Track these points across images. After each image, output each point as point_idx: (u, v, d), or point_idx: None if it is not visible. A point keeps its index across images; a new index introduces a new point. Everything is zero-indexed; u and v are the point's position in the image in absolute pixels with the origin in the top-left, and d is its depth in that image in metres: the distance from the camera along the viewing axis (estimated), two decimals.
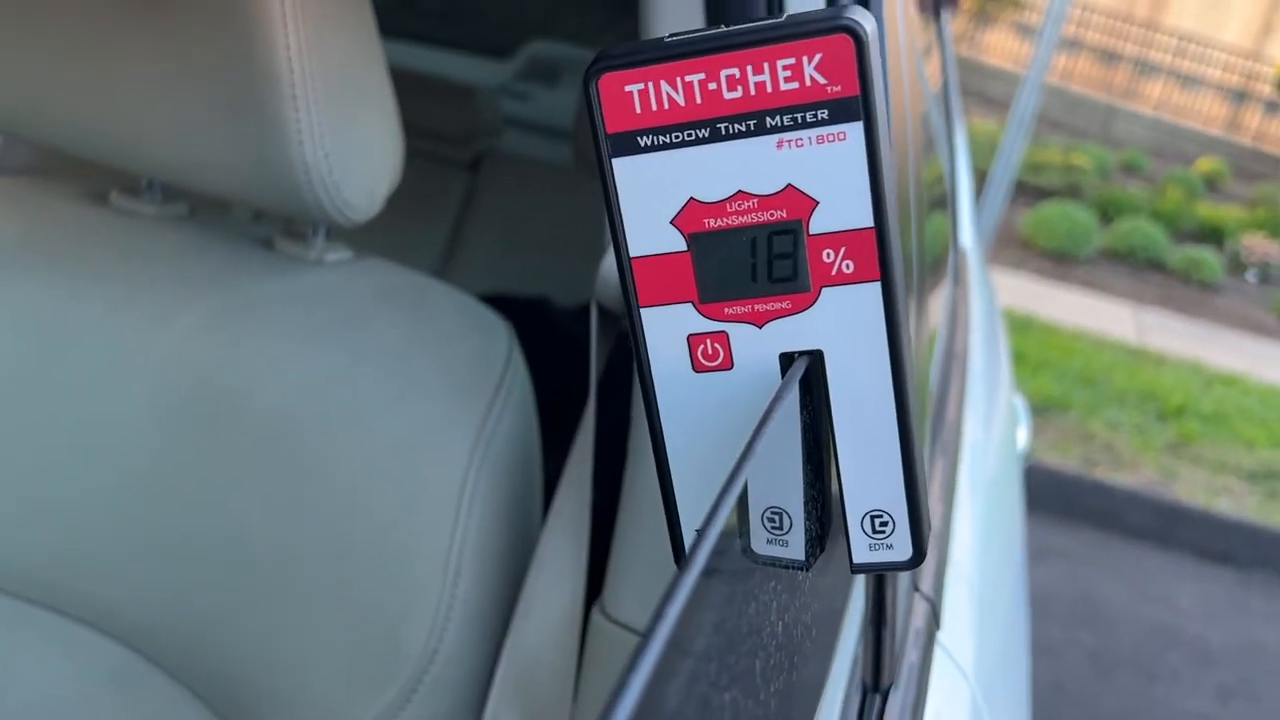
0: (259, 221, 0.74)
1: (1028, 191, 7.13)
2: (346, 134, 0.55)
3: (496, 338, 0.62)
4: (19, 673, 0.62)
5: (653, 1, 0.46)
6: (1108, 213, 6.97)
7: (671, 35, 0.27)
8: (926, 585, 0.51)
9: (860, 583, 0.45)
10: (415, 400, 0.58)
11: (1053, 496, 3.43)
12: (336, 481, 0.55)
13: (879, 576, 0.41)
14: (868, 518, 0.29)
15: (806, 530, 0.30)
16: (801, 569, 0.30)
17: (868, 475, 0.29)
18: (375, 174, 0.57)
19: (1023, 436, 1.20)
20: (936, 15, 1.21)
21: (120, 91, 0.58)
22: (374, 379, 0.58)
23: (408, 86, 0.67)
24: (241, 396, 0.57)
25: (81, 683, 0.61)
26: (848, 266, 0.27)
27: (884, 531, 0.29)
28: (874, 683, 0.41)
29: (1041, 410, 3.89)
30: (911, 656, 0.45)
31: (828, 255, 0.27)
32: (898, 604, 0.44)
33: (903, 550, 0.30)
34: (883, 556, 0.30)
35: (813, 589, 0.42)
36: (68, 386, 0.59)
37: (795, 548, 0.30)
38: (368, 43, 0.58)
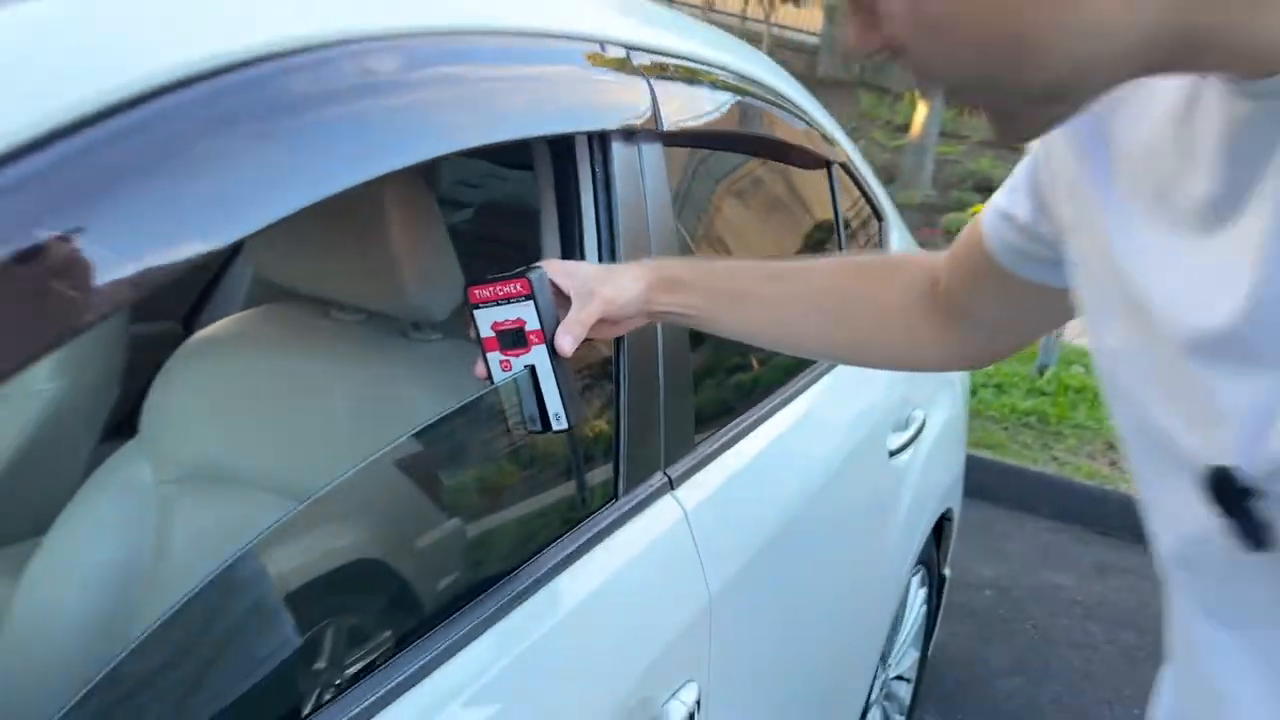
0: (387, 319, 1.45)
1: None
2: (434, 285, 1.24)
3: None
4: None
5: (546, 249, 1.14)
6: None
7: (490, 276, 0.95)
8: (674, 471, 1.14)
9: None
10: None
11: (1125, 519, 3.80)
12: None
13: (615, 460, 1.06)
14: (553, 415, 0.96)
15: (535, 419, 0.96)
16: (540, 433, 0.97)
17: (553, 400, 0.95)
18: (449, 300, 1.27)
19: (898, 441, 1.78)
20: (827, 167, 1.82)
21: (333, 262, 1.30)
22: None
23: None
24: (398, 413, 1.27)
25: None
26: (537, 338, 0.94)
27: (559, 420, 0.96)
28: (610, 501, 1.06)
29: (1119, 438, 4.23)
30: (642, 494, 1.09)
31: (532, 336, 0.94)
32: (643, 482, 1.08)
33: (566, 425, 0.96)
34: (562, 426, 0.95)
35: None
36: (328, 416, 1.31)
37: (537, 424, 0.96)
38: (442, 238, 1.28)
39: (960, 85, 0.54)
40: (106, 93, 0.57)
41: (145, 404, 1.38)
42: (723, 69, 1.39)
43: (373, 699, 0.78)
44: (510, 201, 2.11)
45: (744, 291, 0.99)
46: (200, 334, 1.41)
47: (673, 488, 1.15)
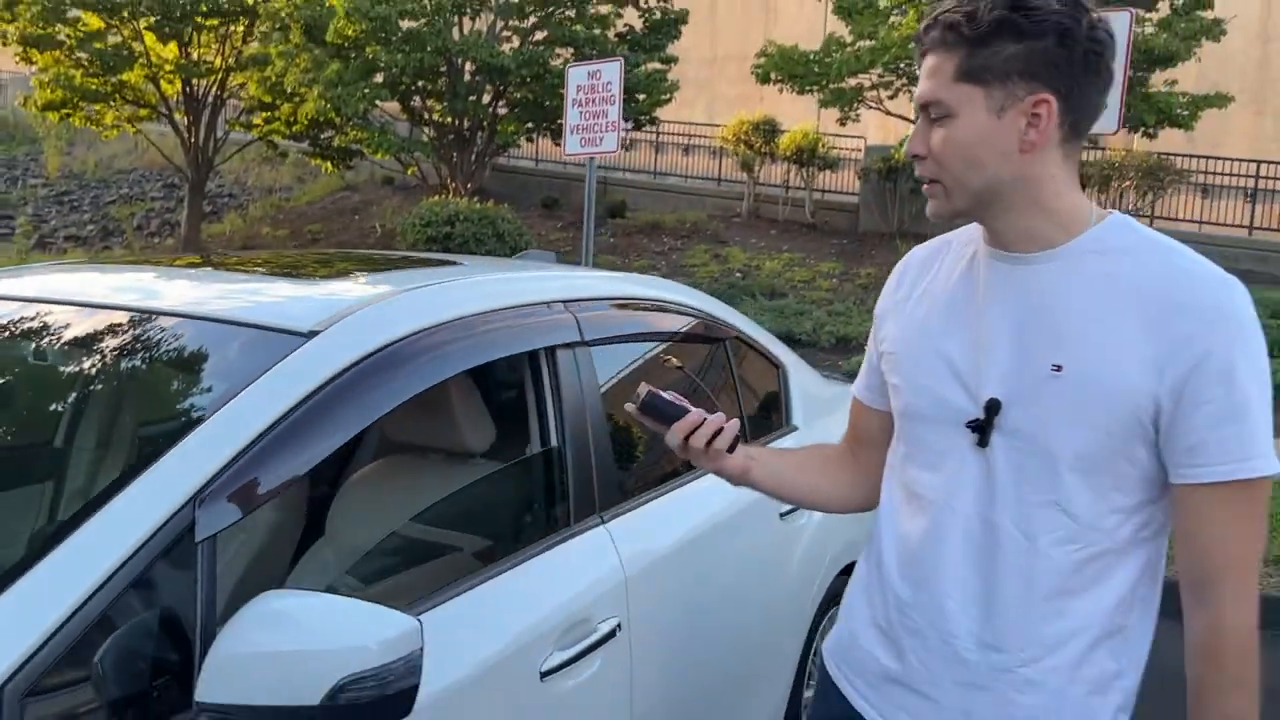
0: (456, 454, 2.56)
1: None
2: (477, 432, 2.36)
3: None
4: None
5: None
6: None
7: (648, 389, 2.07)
8: (605, 515, 2.18)
9: None
10: None
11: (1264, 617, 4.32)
12: None
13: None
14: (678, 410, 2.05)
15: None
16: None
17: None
18: (485, 440, 2.38)
19: (787, 505, 2.81)
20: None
21: (429, 424, 2.43)
22: None
23: None
24: (466, 499, 2.37)
25: None
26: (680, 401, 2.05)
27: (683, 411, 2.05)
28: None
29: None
30: (587, 524, 2.14)
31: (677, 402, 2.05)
32: (586, 517, 2.15)
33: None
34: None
35: None
36: (430, 506, 2.42)
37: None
38: (480, 405, 2.41)
39: (939, 175, 1.35)
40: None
41: (329, 516, 2.51)
42: (624, 297, 2.54)
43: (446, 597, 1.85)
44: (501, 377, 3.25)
45: (769, 455, 1.72)
46: (358, 473, 2.55)
47: (603, 522, 2.22)
